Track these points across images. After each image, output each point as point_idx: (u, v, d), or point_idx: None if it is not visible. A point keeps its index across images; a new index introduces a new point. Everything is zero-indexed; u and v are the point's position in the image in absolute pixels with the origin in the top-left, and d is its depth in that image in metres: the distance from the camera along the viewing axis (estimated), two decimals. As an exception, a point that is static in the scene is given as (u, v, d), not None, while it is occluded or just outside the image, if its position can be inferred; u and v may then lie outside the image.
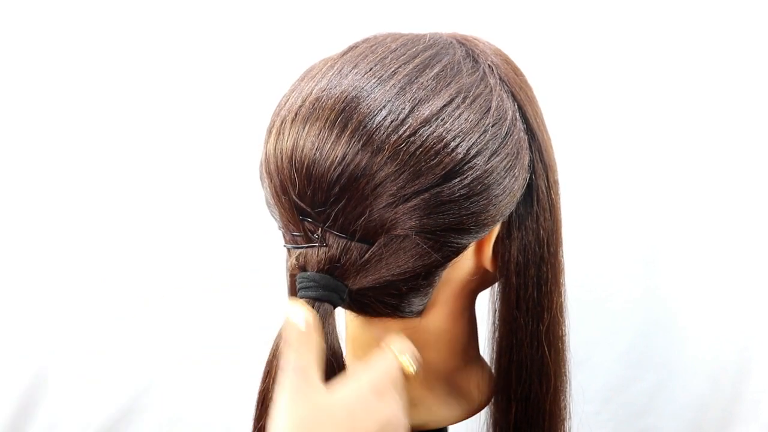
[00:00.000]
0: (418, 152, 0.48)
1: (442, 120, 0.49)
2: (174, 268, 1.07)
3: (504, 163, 0.51)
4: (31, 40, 1.03)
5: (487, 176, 0.50)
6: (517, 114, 0.53)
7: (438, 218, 0.49)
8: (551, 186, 0.55)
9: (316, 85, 0.51)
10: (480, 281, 0.58)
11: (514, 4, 0.99)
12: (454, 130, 0.49)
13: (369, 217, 0.49)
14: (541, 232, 0.55)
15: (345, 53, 0.54)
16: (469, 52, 0.54)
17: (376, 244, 0.50)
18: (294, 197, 0.51)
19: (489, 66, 0.53)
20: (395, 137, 0.48)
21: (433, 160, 0.48)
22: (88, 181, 1.05)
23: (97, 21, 1.03)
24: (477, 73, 0.52)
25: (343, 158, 0.48)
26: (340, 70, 0.52)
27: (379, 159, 0.48)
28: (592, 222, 0.99)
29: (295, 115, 0.51)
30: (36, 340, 1.07)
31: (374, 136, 0.48)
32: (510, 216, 0.54)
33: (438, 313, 0.56)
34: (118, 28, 1.03)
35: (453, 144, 0.48)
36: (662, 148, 0.98)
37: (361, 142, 0.48)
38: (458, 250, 0.52)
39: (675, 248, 0.99)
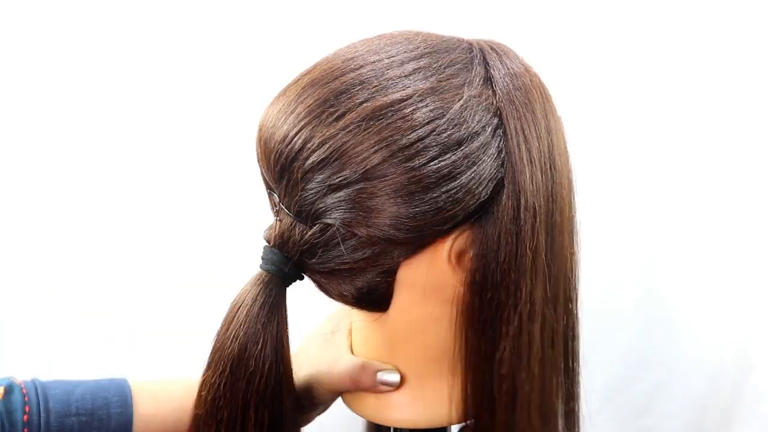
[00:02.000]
0: (347, 145, 0.49)
1: (381, 118, 0.49)
2: (175, 269, 1.07)
3: (443, 172, 0.49)
4: (31, 40, 1.03)
5: (414, 183, 0.49)
6: (490, 129, 0.51)
7: (359, 215, 0.50)
8: (521, 210, 0.51)
9: (307, 67, 0.55)
10: (455, 293, 0.54)
11: (515, 6, 0.98)
12: (388, 130, 0.49)
13: (302, 201, 0.51)
14: (502, 255, 0.51)
15: (367, 39, 0.56)
16: (472, 59, 0.54)
17: (312, 228, 0.51)
18: (262, 170, 0.54)
19: (483, 77, 0.53)
20: (331, 128, 0.49)
21: (358, 156, 0.48)
22: (85, 182, 1.05)
23: (97, 21, 1.02)
24: (457, 79, 0.52)
25: (284, 138, 0.50)
26: (330, 56, 0.54)
27: (309, 144, 0.49)
28: (591, 222, 0.98)
29: (283, 92, 0.54)
30: (36, 340, 1.07)
31: (314, 120, 0.50)
32: (472, 229, 0.52)
33: (403, 313, 0.56)
34: (118, 28, 1.03)
35: (382, 144, 0.48)
36: (661, 149, 0.98)
37: (301, 124, 0.50)
38: (388, 253, 0.52)
39: (675, 249, 0.99)
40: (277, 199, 0.53)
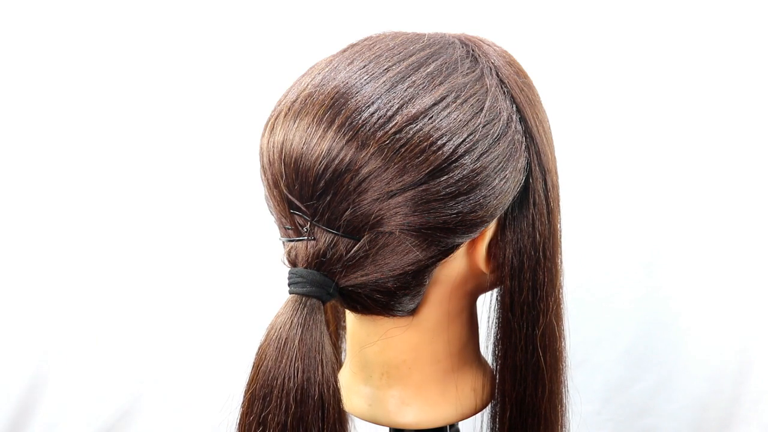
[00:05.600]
0: (403, 149, 0.48)
1: (430, 118, 0.49)
2: (173, 268, 1.07)
3: (494, 163, 0.50)
4: (31, 40, 1.03)
5: (475, 176, 0.50)
6: (514, 116, 0.52)
7: (424, 216, 0.49)
8: (549, 190, 0.54)
9: (311, 80, 0.52)
10: (477, 283, 0.57)
11: (518, 6, 0.98)
12: (442, 129, 0.49)
13: (354, 213, 0.49)
14: (537, 235, 0.54)
15: (344, 50, 0.55)
16: (470, 52, 0.54)
17: (362, 239, 0.50)
18: (284, 190, 0.51)
19: (489, 67, 0.53)
20: (381, 134, 0.48)
21: (418, 157, 0.48)
22: (86, 182, 1.05)
23: (97, 21, 1.02)
24: (474, 74, 0.52)
25: (329, 152, 0.49)
26: (336, 67, 0.52)
27: (363, 155, 0.48)
28: (593, 223, 0.99)
29: (288, 110, 0.52)
30: (35, 340, 1.07)
31: (360, 131, 0.48)
32: (505, 218, 0.54)
33: (432, 312, 0.56)
34: (118, 28, 1.03)
35: (439, 142, 0.48)
36: (663, 150, 0.98)
37: (346, 138, 0.48)
38: (447, 250, 0.52)
39: (676, 249, 0.99)
40: (305, 219, 0.51)
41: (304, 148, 0.50)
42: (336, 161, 0.49)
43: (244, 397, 0.50)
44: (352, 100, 0.49)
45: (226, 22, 1.02)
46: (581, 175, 0.96)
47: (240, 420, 0.50)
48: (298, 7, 1.01)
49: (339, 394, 0.50)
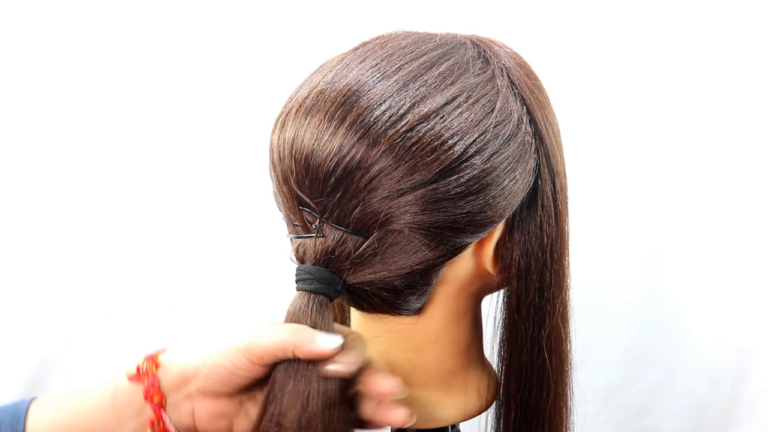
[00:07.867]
0: (414, 148, 0.48)
1: (441, 118, 0.49)
2: (174, 268, 1.06)
3: (504, 164, 0.51)
4: (31, 40, 1.02)
5: (485, 176, 0.50)
6: (525, 117, 0.53)
7: (433, 215, 0.49)
8: (557, 192, 0.55)
9: (323, 78, 0.52)
10: (483, 283, 0.58)
11: (524, 7, 0.98)
12: (453, 128, 0.49)
13: (364, 210, 0.49)
14: (545, 237, 0.54)
15: (356, 49, 0.55)
16: (481, 53, 0.54)
17: (371, 237, 0.50)
18: (294, 187, 0.52)
19: (500, 68, 0.53)
20: (392, 132, 0.48)
21: (429, 156, 0.48)
22: (87, 181, 1.05)
23: (97, 21, 1.02)
24: (485, 74, 0.52)
25: (339, 150, 0.49)
26: (348, 65, 0.52)
27: (374, 152, 0.48)
28: (593, 222, 0.99)
29: (300, 106, 0.52)
30: (35, 340, 1.07)
31: (371, 129, 0.49)
32: (513, 219, 0.54)
33: (438, 312, 0.56)
34: (119, 28, 1.02)
35: (450, 142, 0.49)
36: (664, 150, 0.98)
37: (357, 135, 0.49)
38: (455, 250, 0.52)
39: (676, 249, 1.00)
40: (314, 216, 0.51)
41: (315, 144, 0.50)
42: (347, 158, 0.49)
43: None
44: (364, 98, 0.49)
45: (235, 20, 1.02)
46: (581, 175, 0.96)
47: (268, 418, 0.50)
48: (310, 6, 1.01)
49: (348, 388, 0.50)
